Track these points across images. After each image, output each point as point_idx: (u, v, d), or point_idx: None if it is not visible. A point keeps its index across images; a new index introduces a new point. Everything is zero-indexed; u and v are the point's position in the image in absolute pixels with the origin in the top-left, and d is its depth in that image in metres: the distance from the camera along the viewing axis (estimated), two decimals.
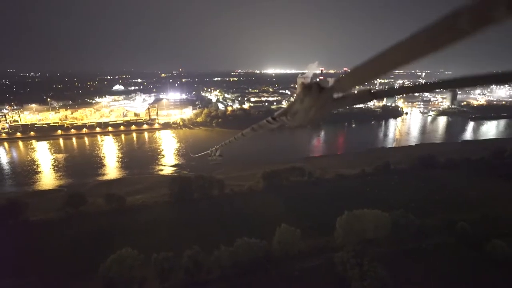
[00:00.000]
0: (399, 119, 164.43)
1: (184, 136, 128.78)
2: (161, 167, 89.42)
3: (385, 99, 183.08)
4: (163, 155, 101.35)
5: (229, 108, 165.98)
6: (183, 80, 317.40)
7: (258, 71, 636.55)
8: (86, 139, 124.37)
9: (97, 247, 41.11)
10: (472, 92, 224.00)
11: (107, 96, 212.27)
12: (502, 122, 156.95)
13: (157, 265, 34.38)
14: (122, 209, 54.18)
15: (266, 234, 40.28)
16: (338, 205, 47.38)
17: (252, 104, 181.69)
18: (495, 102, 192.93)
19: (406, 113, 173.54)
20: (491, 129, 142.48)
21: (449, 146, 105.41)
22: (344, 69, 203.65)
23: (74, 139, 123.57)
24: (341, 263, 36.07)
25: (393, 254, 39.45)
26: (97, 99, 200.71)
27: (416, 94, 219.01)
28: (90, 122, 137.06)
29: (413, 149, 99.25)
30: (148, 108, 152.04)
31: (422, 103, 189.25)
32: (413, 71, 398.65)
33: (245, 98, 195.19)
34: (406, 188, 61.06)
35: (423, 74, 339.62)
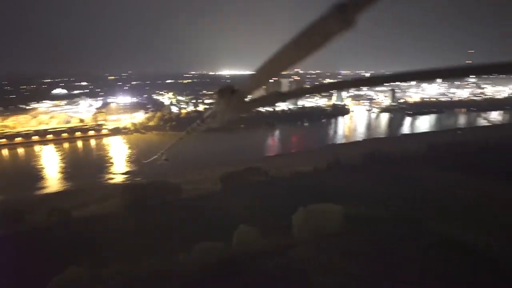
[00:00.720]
0: (347, 116, 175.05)
1: (136, 141, 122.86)
2: (111, 176, 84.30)
3: (334, 97, 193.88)
4: (113, 163, 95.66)
5: (183, 111, 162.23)
6: (133, 83, 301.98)
7: (212, 73, 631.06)
8: (21, 149, 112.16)
9: (38, 269, 37.35)
10: (407, 90, 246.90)
11: (46, 101, 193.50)
12: (433, 116, 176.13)
13: (110, 281, 32.33)
14: (68, 223, 49.94)
15: (227, 236, 40.10)
16: (295, 201, 48.86)
17: (207, 106, 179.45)
18: (426, 99, 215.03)
19: (353, 111, 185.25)
20: (424, 123, 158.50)
21: (391, 140, 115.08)
22: (295, 69, 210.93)
23: (6, 150, 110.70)
24: (301, 259, 37.34)
25: (349, 245, 41.89)
26: (34, 105, 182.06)
27: (362, 93, 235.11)
28: (26, 130, 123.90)
29: (360, 144, 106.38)
30: (95, 113, 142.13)
31: (367, 101, 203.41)
32: (358, 72, 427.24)
33: (200, 100, 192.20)
34: (356, 182, 65.07)
35: (367, 74, 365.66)
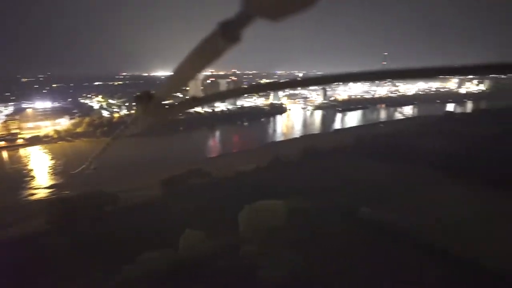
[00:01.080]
0: (284, 115, 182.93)
1: (62, 150, 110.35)
2: (32, 191, 74.38)
3: (271, 96, 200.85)
4: (34, 176, 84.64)
5: (116, 115, 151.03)
6: (54, 85, 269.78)
7: (146, 74, 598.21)
8: None
9: None
10: (337, 88, 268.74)
11: None
12: (359, 112, 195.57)
13: None
14: None
15: (173, 243, 38.99)
16: (240, 201, 49.64)
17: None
18: (353, 97, 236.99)
19: (290, 109, 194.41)
20: (352, 118, 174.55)
21: (326, 135, 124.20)
22: (232, 70, 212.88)
23: None
24: (249, 256, 38.27)
25: (294, 240, 44.15)
26: None
27: (296, 92, 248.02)
28: None
29: (298, 141, 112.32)
30: (6, 121, 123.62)
31: (302, 100, 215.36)
32: (292, 72, 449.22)
33: (134, 103, 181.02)
34: (296, 176, 68.71)
35: (301, 74, 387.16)
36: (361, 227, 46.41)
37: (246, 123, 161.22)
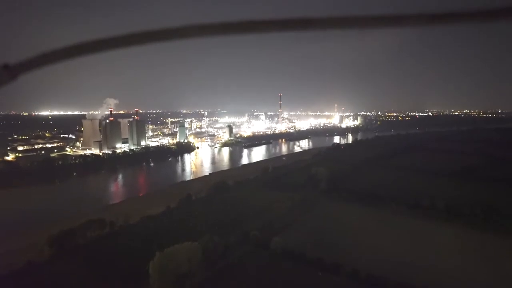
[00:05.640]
0: (193, 153, 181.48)
1: None
2: None
3: (178, 136, 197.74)
4: None
5: None
6: None
7: (26, 113, 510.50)
8: None
9: None
10: (241, 126, 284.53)
11: None
12: (263, 147, 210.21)
13: None
14: None
15: None
16: (151, 248, 46.18)
17: (20, 154, 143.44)
18: (256, 133, 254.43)
19: (198, 147, 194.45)
20: (257, 153, 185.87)
21: (234, 170, 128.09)
22: (135, 109, 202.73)
23: None
24: None
25: (209, 280, 42.99)
26: None
27: (203, 130, 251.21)
28: None
29: (208, 178, 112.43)
30: None
31: (208, 137, 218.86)
32: (197, 111, 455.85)
33: (8, 148, 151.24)
34: (208, 214, 68.16)
35: (206, 112, 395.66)
36: (274, 258, 48.87)
37: (152, 164, 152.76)
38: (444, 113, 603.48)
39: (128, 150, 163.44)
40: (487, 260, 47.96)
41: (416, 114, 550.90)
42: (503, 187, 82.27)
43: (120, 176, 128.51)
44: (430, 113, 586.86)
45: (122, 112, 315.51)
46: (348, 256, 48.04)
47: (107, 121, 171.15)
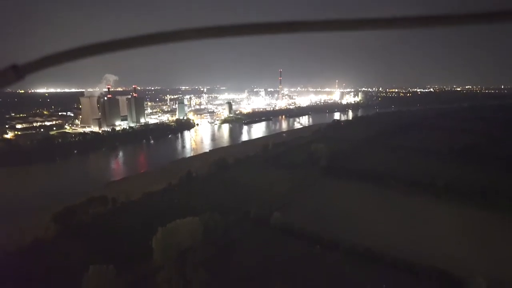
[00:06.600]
0: (192, 130, 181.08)
1: None
2: None
3: (177, 113, 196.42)
4: None
5: None
6: None
7: (22, 91, 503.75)
8: None
9: None
10: (241, 102, 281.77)
11: None
12: (263, 123, 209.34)
13: None
14: None
15: (75, 285, 34.10)
16: (153, 223, 47.00)
17: (19, 133, 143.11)
18: (256, 110, 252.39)
19: (198, 124, 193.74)
20: (257, 130, 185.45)
21: (234, 147, 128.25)
22: (134, 86, 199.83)
23: None
24: (166, 281, 36.55)
25: (210, 256, 44.06)
26: None
27: (202, 107, 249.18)
28: None
29: (208, 155, 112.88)
30: None
31: (208, 114, 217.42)
32: (196, 87, 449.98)
33: (7, 126, 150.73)
34: (208, 192, 68.91)
35: (205, 89, 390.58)
36: (275, 234, 49.95)
37: (152, 141, 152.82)
38: (446, 89, 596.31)
39: (127, 128, 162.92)
40: (480, 235, 49.16)
41: (418, 90, 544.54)
42: (503, 167, 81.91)
43: (121, 154, 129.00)
44: (432, 89, 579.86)
45: (120, 89, 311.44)
46: (347, 232, 49.09)
47: (105, 98, 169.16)
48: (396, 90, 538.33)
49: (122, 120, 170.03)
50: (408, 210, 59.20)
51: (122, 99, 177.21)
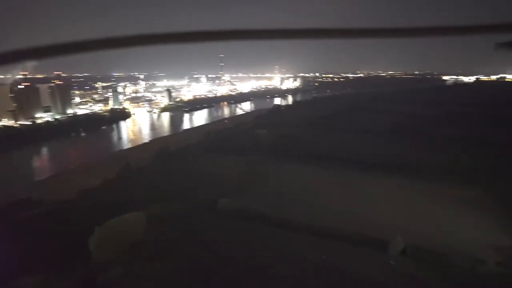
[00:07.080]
0: (129, 120, 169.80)
1: None
2: None
3: (111, 101, 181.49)
4: None
5: None
6: None
7: None
8: None
9: None
10: (181, 89, 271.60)
11: None
12: (205, 110, 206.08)
13: None
14: None
15: None
16: (89, 223, 43.72)
17: None
18: (198, 96, 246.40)
19: (134, 114, 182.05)
20: (199, 117, 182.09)
21: (175, 136, 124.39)
22: (56, 73, 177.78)
23: None
24: (109, 279, 34.87)
25: (158, 249, 42.89)
26: None
27: (139, 95, 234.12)
28: None
29: (148, 145, 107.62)
30: None
31: (146, 102, 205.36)
32: (132, 74, 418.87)
33: None
34: (150, 183, 66.09)
35: (142, 76, 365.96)
36: (222, 218, 50.48)
37: (83, 134, 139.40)
38: (373, 74, 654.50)
39: (52, 120, 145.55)
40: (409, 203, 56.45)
41: (350, 75, 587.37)
42: (431, 142, 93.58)
43: (46, 150, 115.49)
44: (361, 74, 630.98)
45: (40, 76, 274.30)
46: (298, 212, 51.68)
47: (21, 86, 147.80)
48: (331, 75, 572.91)
49: (45, 111, 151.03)
50: (352, 185, 63.67)
51: (44, 87, 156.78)
